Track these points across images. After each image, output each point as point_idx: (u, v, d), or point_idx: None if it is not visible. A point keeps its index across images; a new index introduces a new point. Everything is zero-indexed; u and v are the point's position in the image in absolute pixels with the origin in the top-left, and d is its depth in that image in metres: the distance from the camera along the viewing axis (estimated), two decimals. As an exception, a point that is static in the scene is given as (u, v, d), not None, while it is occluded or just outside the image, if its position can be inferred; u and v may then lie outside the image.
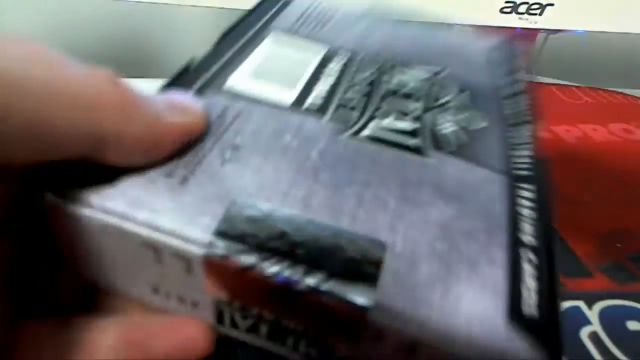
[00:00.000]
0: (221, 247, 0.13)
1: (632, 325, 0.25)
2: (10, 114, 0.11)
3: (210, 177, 0.15)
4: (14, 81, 0.11)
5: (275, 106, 0.18)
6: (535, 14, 0.44)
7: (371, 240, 0.14)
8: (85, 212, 0.14)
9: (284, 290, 0.13)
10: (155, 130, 0.14)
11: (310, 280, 0.13)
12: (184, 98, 0.16)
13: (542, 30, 0.50)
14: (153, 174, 0.15)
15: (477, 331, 0.13)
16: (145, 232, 0.14)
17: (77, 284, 0.16)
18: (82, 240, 0.15)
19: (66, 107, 0.12)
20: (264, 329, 0.15)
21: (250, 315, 0.15)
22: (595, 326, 0.25)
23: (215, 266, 0.14)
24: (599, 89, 0.52)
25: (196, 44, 0.24)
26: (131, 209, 0.14)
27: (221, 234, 0.14)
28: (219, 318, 0.15)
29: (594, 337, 0.24)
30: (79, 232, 0.14)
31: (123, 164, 0.14)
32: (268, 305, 0.14)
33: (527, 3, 0.44)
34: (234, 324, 0.15)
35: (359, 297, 0.13)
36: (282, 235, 0.14)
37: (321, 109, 0.18)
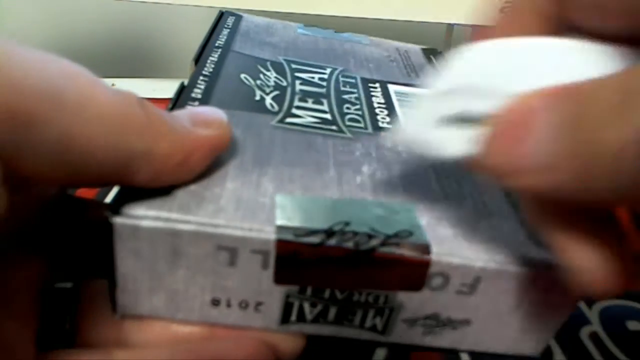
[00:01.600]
0: (290, 232, 0.15)
1: (632, 325, 0.25)
2: (46, 126, 0.12)
3: (241, 183, 0.16)
4: (51, 95, 0.12)
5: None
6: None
7: (400, 203, 0.17)
8: (160, 224, 0.14)
9: (355, 255, 0.15)
10: (183, 145, 0.14)
11: (376, 241, 0.15)
12: (207, 111, 0.16)
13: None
14: (192, 187, 0.15)
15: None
16: (224, 231, 0.14)
17: (101, 318, 0.16)
18: (149, 260, 0.15)
19: (97, 125, 0.13)
20: (332, 311, 0.16)
21: (321, 300, 0.16)
22: (595, 326, 0.25)
23: (289, 251, 0.15)
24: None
25: (196, 44, 0.24)
26: (204, 216, 0.15)
27: (283, 223, 0.15)
28: (285, 314, 0.16)
29: (594, 337, 0.24)
30: (146, 251, 0.15)
31: (154, 184, 0.14)
32: (340, 279, 0.16)
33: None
34: (300, 317, 0.16)
35: (419, 242, 0.15)
36: (334, 215, 0.16)
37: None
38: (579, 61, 0.12)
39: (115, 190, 0.25)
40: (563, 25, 0.12)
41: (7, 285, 0.14)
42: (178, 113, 0.16)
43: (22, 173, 0.12)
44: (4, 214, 0.12)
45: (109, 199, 0.27)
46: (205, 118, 0.16)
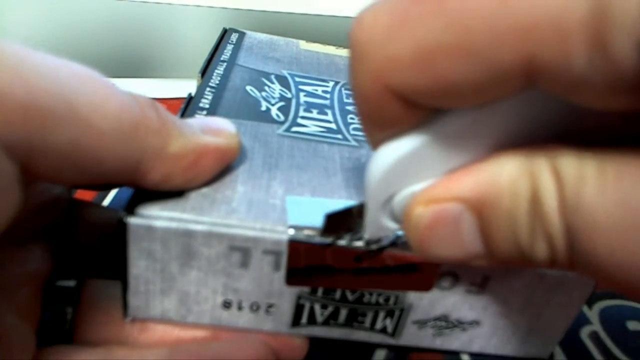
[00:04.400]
0: (301, 233, 0.15)
1: (632, 325, 0.25)
2: (59, 128, 0.12)
3: (252, 186, 0.16)
4: (65, 98, 0.12)
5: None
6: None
7: None
8: (174, 225, 0.14)
9: (365, 255, 0.15)
10: (193, 148, 0.15)
11: (386, 241, 0.15)
12: (217, 121, 0.17)
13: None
14: (204, 190, 0.16)
15: None
16: (237, 231, 0.15)
17: (99, 317, 0.16)
18: (162, 261, 0.15)
19: (109, 127, 0.13)
20: (343, 313, 0.17)
21: (332, 301, 0.16)
22: (595, 326, 0.25)
23: (301, 252, 0.15)
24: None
25: (197, 44, 0.24)
26: (217, 217, 0.15)
27: (295, 224, 0.15)
28: (296, 316, 0.16)
29: (594, 336, 0.24)
30: (159, 252, 0.15)
31: (164, 186, 0.15)
32: (351, 279, 0.16)
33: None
34: (311, 319, 0.17)
35: None
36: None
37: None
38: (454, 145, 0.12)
39: (113, 193, 0.25)
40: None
41: (9, 279, 0.14)
42: (189, 120, 0.16)
43: (35, 172, 0.12)
44: (17, 211, 0.12)
45: (106, 202, 0.27)
46: (216, 128, 0.16)
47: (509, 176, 0.11)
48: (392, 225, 0.14)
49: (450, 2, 0.09)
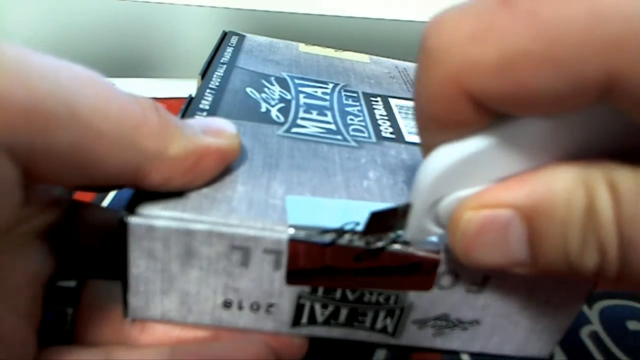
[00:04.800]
0: (302, 232, 0.15)
1: (632, 325, 0.25)
2: (61, 130, 0.12)
3: (252, 186, 0.16)
4: (66, 101, 0.12)
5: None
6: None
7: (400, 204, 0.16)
8: (174, 224, 0.15)
9: (366, 254, 0.15)
10: (194, 150, 0.15)
11: (386, 240, 0.15)
12: (218, 122, 0.17)
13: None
14: (204, 190, 0.16)
15: None
16: (237, 230, 0.15)
17: (100, 316, 0.16)
18: (162, 261, 0.15)
19: (111, 129, 0.13)
20: (343, 312, 0.17)
21: (332, 301, 0.16)
22: (595, 326, 0.25)
23: (301, 251, 0.15)
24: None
25: (197, 44, 0.25)
26: (217, 216, 0.15)
27: (295, 223, 0.15)
28: (297, 316, 0.17)
29: (594, 336, 0.24)
30: (160, 251, 0.15)
31: (165, 187, 0.15)
32: (351, 278, 0.16)
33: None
34: (311, 319, 0.17)
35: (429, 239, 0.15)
36: (344, 215, 0.16)
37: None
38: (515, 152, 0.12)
39: (112, 193, 0.25)
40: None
41: (10, 280, 0.14)
42: (190, 121, 0.16)
43: (36, 174, 0.12)
44: (18, 213, 0.12)
45: (106, 202, 0.27)
46: (216, 128, 0.16)
47: (564, 186, 0.11)
48: (435, 229, 0.14)
49: (543, 13, 0.10)
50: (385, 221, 0.15)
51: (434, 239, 0.15)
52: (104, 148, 0.13)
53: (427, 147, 0.13)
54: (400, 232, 0.15)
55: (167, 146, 0.14)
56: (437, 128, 0.13)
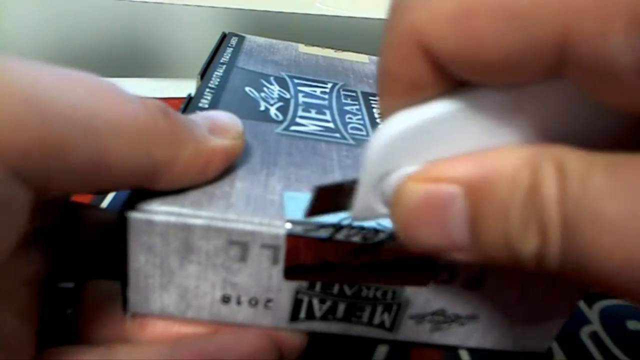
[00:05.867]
0: (299, 227, 0.15)
1: (632, 325, 0.25)
2: (76, 151, 0.12)
3: (250, 182, 0.17)
4: (78, 119, 0.12)
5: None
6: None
7: None
8: (173, 219, 0.15)
9: (364, 248, 0.15)
10: (203, 155, 0.15)
11: (383, 235, 0.15)
12: (225, 118, 0.17)
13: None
14: (203, 186, 0.16)
15: None
16: (235, 225, 0.15)
17: (100, 315, 0.16)
18: (161, 255, 0.15)
19: (124, 143, 0.13)
20: (341, 308, 0.17)
21: (330, 296, 0.16)
22: (595, 326, 0.25)
23: (299, 245, 0.15)
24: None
25: (197, 44, 0.25)
26: (216, 211, 0.15)
27: (292, 218, 0.15)
28: (294, 311, 0.17)
29: (594, 336, 0.24)
30: (159, 246, 0.15)
31: (172, 189, 0.15)
32: (349, 273, 0.16)
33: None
34: (309, 314, 0.17)
35: None
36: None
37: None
38: (477, 126, 0.11)
39: (111, 195, 0.25)
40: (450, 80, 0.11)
41: (8, 282, 0.14)
42: (197, 118, 0.16)
43: (49, 190, 0.12)
44: (25, 228, 0.12)
45: (105, 203, 0.27)
46: (224, 126, 0.16)
47: (511, 165, 0.11)
48: (382, 208, 0.13)
49: None
50: (331, 199, 0.13)
51: (380, 220, 0.15)
52: (116, 161, 0.13)
53: (384, 114, 0.12)
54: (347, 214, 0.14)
55: (177, 153, 0.14)
56: (394, 90, 0.12)
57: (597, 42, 0.09)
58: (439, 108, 0.11)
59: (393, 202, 0.12)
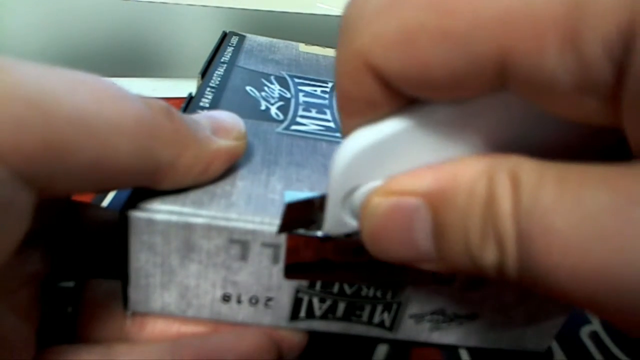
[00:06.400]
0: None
1: (632, 324, 0.25)
2: (79, 153, 0.12)
3: (251, 181, 0.17)
4: (81, 120, 0.12)
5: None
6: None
7: None
8: (174, 218, 0.15)
9: (364, 248, 0.15)
10: (205, 156, 0.15)
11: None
12: (227, 118, 0.17)
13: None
14: (206, 186, 0.16)
15: None
16: (236, 224, 0.15)
17: (101, 314, 0.17)
18: (162, 254, 0.15)
19: (127, 144, 0.13)
20: (341, 307, 0.17)
21: (330, 295, 0.16)
22: (596, 325, 0.25)
23: (299, 244, 0.15)
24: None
25: (198, 43, 0.25)
26: (217, 210, 0.15)
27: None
28: (295, 310, 0.17)
29: (594, 336, 0.24)
30: (159, 245, 0.15)
31: (174, 188, 0.15)
32: (349, 272, 0.16)
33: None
34: (309, 313, 0.17)
35: None
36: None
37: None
38: (433, 138, 0.12)
39: (111, 194, 0.25)
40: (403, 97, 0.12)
41: (8, 281, 0.14)
42: (200, 119, 0.16)
43: (51, 192, 0.12)
44: (27, 230, 0.12)
45: (105, 202, 0.27)
46: (226, 126, 0.16)
47: (469, 175, 0.11)
48: (352, 222, 0.14)
49: None
50: (302, 214, 0.14)
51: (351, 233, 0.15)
52: (120, 161, 0.13)
53: (345, 131, 0.13)
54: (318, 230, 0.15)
55: (180, 154, 0.14)
56: (351, 110, 0.12)
57: (534, 59, 0.09)
58: (393, 125, 0.12)
59: (360, 216, 0.13)
